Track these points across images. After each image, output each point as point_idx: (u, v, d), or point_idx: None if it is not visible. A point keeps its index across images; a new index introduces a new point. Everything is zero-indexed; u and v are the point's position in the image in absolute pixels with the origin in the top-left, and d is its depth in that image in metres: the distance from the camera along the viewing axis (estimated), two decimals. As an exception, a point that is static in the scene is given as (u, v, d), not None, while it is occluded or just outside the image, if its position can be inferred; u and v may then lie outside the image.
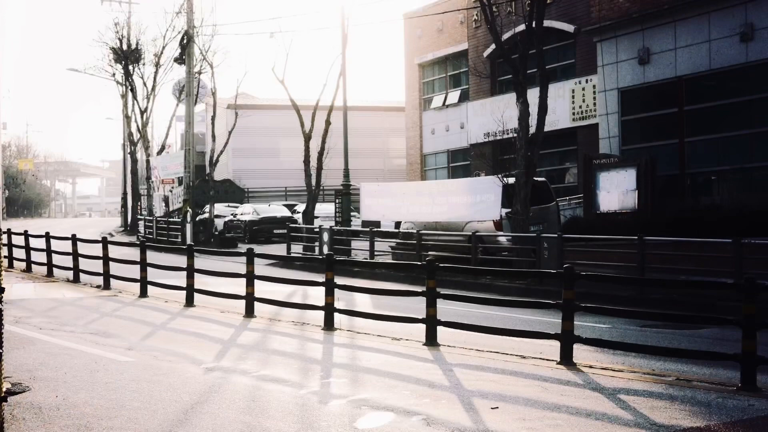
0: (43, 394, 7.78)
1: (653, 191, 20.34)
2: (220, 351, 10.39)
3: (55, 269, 20.69)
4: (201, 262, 19.54)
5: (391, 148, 51.23)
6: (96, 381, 8.41)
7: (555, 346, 9.80)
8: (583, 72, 26.76)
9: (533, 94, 19.18)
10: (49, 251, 20.99)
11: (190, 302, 14.99)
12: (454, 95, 34.56)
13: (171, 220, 34.97)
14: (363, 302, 15.23)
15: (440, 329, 10.87)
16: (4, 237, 24.47)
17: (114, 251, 19.51)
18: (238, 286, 14.36)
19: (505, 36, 25.40)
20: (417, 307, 12.72)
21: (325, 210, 31.34)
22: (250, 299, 13.58)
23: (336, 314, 12.27)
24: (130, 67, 42.20)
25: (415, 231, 21.14)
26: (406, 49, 37.71)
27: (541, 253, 17.13)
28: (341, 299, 14.03)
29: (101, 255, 18.14)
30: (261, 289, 14.20)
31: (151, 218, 37.29)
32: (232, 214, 35.22)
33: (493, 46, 28.28)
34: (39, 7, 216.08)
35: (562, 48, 28.12)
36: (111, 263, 17.99)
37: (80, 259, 19.30)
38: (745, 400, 7.71)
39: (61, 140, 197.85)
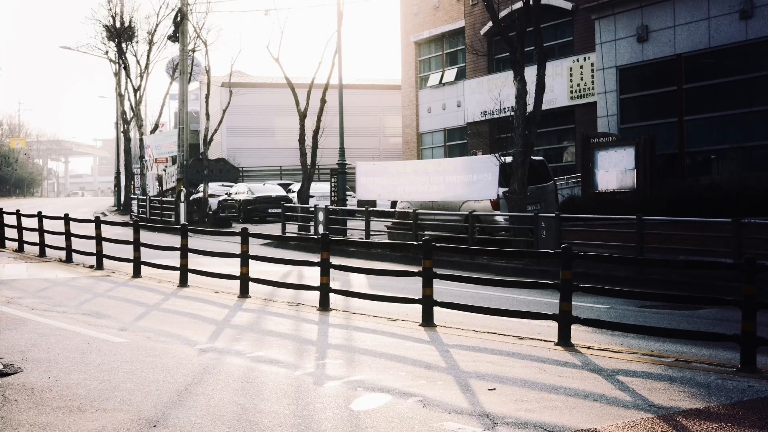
0: (36, 376, 7.68)
1: (652, 170, 20.22)
2: (214, 332, 10.29)
3: (47, 249, 20.52)
4: (195, 241, 19.41)
5: (387, 127, 50.98)
6: (89, 362, 8.30)
7: (553, 326, 9.72)
8: (581, 50, 26.55)
9: (531, 72, 19.00)
10: (41, 231, 20.81)
11: (183, 282, 14.88)
12: (450, 73, 34.28)
13: (164, 199, 34.79)
14: (359, 282, 15.13)
15: (437, 309, 10.79)
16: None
17: (107, 231, 19.35)
18: (233, 266, 14.26)
19: (503, 13, 25.09)
20: (413, 287, 12.62)
21: (321, 189, 31.23)
22: (244, 279, 13.47)
23: (331, 294, 12.17)
24: (124, 45, 41.85)
25: (411, 210, 21.02)
26: (402, 27, 37.39)
27: (539, 233, 17.05)
28: (337, 279, 13.91)
29: (94, 235, 17.99)
30: (255, 269, 14.09)
31: (144, 197, 37.08)
32: (226, 194, 35.05)
33: (490, 24, 28.03)
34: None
35: (560, 25, 27.88)
36: (104, 243, 17.82)
37: (73, 238, 19.15)
38: (745, 381, 7.65)
39: (54, 119, 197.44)
